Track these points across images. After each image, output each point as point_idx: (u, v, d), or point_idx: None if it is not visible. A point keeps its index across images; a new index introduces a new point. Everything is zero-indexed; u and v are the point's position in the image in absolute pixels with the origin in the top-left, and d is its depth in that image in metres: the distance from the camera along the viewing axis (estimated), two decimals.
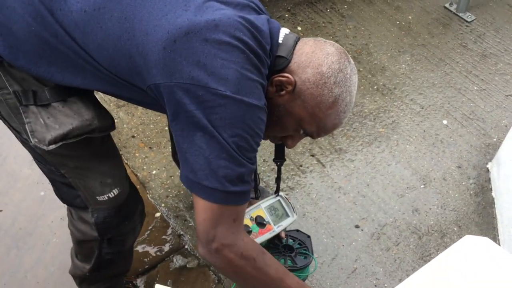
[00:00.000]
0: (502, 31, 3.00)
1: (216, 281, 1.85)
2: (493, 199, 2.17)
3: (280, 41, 1.18)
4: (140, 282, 1.84)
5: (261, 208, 1.57)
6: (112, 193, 1.36)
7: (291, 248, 1.60)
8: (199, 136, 1.06)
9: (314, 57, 1.16)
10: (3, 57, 1.14)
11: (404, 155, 2.32)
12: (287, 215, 1.60)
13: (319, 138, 2.31)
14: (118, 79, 1.14)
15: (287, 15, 2.93)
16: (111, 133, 1.36)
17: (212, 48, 1.04)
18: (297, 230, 1.69)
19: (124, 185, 1.40)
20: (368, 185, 2.18)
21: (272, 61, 1.17)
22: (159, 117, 2.33)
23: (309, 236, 1.67)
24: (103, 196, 1.35)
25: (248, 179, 1.15)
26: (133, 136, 2.26)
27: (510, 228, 1.97)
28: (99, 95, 2.08)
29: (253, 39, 1.09)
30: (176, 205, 2.05)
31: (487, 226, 2.09)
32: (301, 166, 2.23)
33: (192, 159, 1.09)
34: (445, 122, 2.47)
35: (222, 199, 1.11)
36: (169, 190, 2.09)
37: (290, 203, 1.63)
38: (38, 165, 1.38)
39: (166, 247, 1.94)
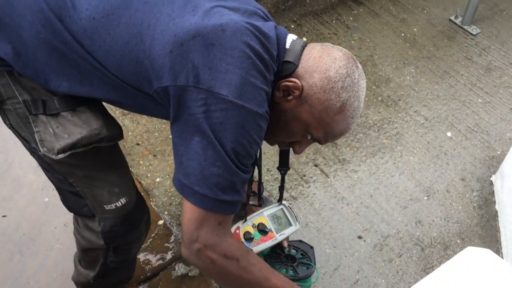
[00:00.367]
0: (507, 45, 3.00)
1: None
2: (496, 212, 2.16)
3: (287, 46, 1.19)
4: None
5: (263, 215, 1.56)
6: (119, 202, 1.36)
7: (294, 258, 1.59)
8: (196, 141, 1.07)
9: (322, 61, 1.16)
10: (13, 66, 1.16)
11: (407, 166, 2.32)
12: (290, 224, 1.60)
13: (322, 148, 2.32)
14: (125, 85, 1.15)
15: (292, 26, 2.95)
16: None
17: (218, 53, 1.04)
18: (300, 241, 1.69)
19: (132, 194, 1.41)
20: (371, 196, 2.18)
21: (279, 67, 1.17)
22: (164, 125, 2.35)
23: (312, 247, 1.67)
24: (110, 205, 1.35)
25: (240, 189, 1.15)
26: (137, 144, 2.28)
27: None
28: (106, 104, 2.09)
29: (260, 44, 1.10)
30: (179, 213, 2.05)
31: (490, 239, 2.08)
32: (304, 176, 2.23)
33: (186, 163, 1.10)
34: (449, 134, 2.47)
35: (211, 206, 1.12)
36: (172, 198, 2.09)
37: (293, 212, 1.63)
38: (46, 174, 1.38)
39: (169, 255, 1.94)
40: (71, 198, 1.38)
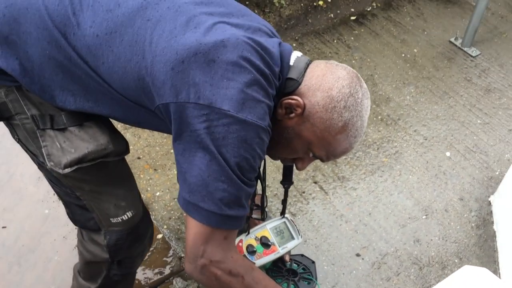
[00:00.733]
0: (507, 67, 3.03)
1: None
2: (494, 232, 2.17)
3: (291, 63, 1.19)
4: None
5: (266, 228, 1.56)
6: (126, 215, 1.37)
7: (295, 273, 1.59)
8: (199, 157, 1.07)
9: (325, 80, 1.16)
10: (19, 81, 1.17)
11: (406, 185, 2.33)
12: (292, 238, 1.59)
13: (322, 165, 2.33)
14: (128, 101, 1.16)
15: (294, 44, 2.99)
16: None
17: (219, 69, 1.05)
18: (302, 255, 1.68)
19: (138, 208, 1.42)
20: (370, 214, 2.19)
21: (282, 83, 1.17)
22: (165, 140, 2.36)
23: (313, 262, 1.66)
24: (117, 218, 1.36)
25: (245, 204, 1.15)
26: (138, 158, 2.29)
27: (511, 262, 1.97)
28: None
29: (261, 60, 1.10)
30: (178, 227, 2.06)
31: (488, 259, 2.08)
32: (303, 192, 2.24)
33: (190, 180, 1.09)
34: (448, 154, 2.49)
35: (216, 222, 1.12)
36: (172, 212, 2.10)
37: (295, 225, 1.62)
38: (53, 188, 1.39)
39: (167, 269, 1.95)
40: (77, 211, 1.39)
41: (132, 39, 1.10)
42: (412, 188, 2.32)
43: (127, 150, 1.34)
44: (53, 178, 1.32)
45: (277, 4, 3.05)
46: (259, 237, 1.53)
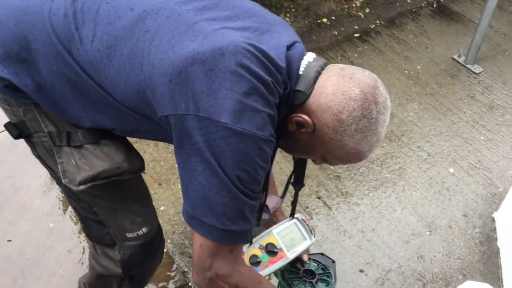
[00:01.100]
0: (510, 84, 3.05)
1: None
2: (498, 249, 2.16)
3: (301, 71, 1.12)
4: None
5: (272, 234, 1.48)
6: (141, 230, 1.38)
7: (313, 273, 1.51)
8: (199, 171, 1.05)
9: (335, 101, 1.08)
10: (33, 97, 1.19)
11: (410, 201, 2.33)
12: (304, 238, 1.51)
13: (326, 180, 2.34)
14: (133, 113, 1.15)
15: None
16: None
17: (217, 78, 1.02)
18: (322, 254, 1.59)
19: (154, 224, 1.43)
20: (373, 229, 2.19)
21: (290, 93, 1.12)
22: (169, 154, 2.38)
23: (333, 261, 1.57)
24: (132, 233, 1.37)
25: (250, 217, 1.12)
26: (143, 172, 2.30)
27: None
28: None
29: (262, 67, 1.05)
30: (182, 241, 2.06)
31: (491, 275, 2.08)
32: (307, 207, 2.25)
33: (192, 194, 1.08)
34: (451, 170, 2.49)
35: (219, 237, 1.10)
36: (176, 226, 2.11)
37: (307, 225, 1.54)
38: (71, 203, 1.40)
39: (170, 284, 1.95)
40: (94, 226, 1.39)
41: (131, 52, 1.08)
42: (416, 204, 2.32)
43: (142, 168, 1.33)
44: (71, 194, 1.33)
45: None
46: (265, 245, 1.45)
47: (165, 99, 1.04)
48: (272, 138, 1.08)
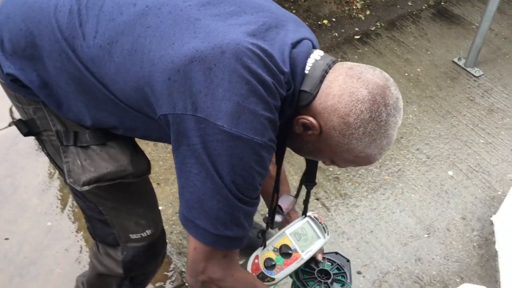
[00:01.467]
0: (510, 87, 3.05)
1: None
2: (496, 252, 2.16)
3: (306, 71, 1.08)
4: None
5: (286, 235, 1.45)
6: (145, 232, 1.38)
7: (328, 273, 1.48)
8: (194, 173, 1.03)
9: (342, 103, 1.04)
10: (38, 94, 1.18)
11: (408, 203, 2.33)
12: (318, 237, 1.48)
13: (324, 182, 2.33)
14: (134, 111, 1.14)
15: None
16: None
17: (215, 78, 0.98)
18: (336, 253, 1.57)
19: (158, 226, 1.43)
20: (371, 231, 2.19)
21: (294, 93, 1.08)
22: (168, 154, 2.38)
23: (348, 260, 1.54)
24: (136, 235, 1.37)
25: (245, 223, 1.10)
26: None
27: None
28: None
29: (263, 67, 1.01)
30: (179, 241, 2.06)
31: (489, 279, 2.07)
32: (302, 204, 2.24)
33: (187, 196, 1.06)
34: (450, 173, 2.49)
35: (212, 241, 1.08)
36: (173, 226, 2.11)
37: (320, 222, 1.51)
38: (77, 202, 1.40)
39: (168, 284, 1.95)
40: (98, 226, 1.39)
41: (132, 48, 1.06)
42: (414, 207, 2.32)
43: (147, 172, 1.32)
44: (78, 193, 1.33)
45: None
46: (279, 247, 1.42)
47: (164, 97, 1.02)
48: (271, 143, 1.05)
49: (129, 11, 1.08)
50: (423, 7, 3.64)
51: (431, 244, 2.18)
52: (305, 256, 1.43)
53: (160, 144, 2.41)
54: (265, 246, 1.43)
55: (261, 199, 1.44)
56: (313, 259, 1.49)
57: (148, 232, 1.39)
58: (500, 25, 3.57)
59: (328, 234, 1.52)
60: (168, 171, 2.31)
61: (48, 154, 1.33)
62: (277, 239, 1.45)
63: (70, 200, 2.16)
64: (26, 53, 1.15)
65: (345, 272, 1.50)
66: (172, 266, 1.99)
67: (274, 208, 1.38)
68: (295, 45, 1.09)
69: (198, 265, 1.12)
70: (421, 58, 3.20)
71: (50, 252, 1.99)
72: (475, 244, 2.20)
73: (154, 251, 1.45)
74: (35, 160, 2.30)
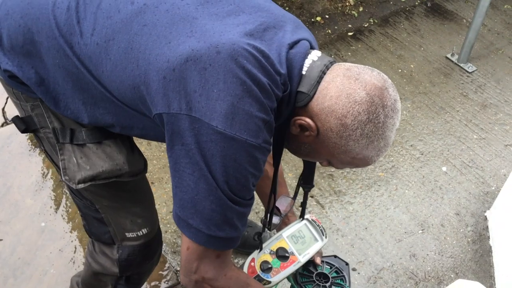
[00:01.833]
0: (503, 83, 3.06)
1: None
2: (490, 247, 2.17)
3: (304, 71, 1.07)
4: None
5: (282, 238, 1.45)
6: (141, 231, 1.38)
7: (327, 277, 1.48)
8: (188, 173, 1.02)
9: (339, 104, 1.04)
10: (35, 91, 1.18)
11: (403, 199, 2.33)
12: (316, 240, 1.48)
13: (319, 179, 2.34)
14: (130, 110, 1.13)
15: None
16: None
17: (210, 77, 0.98)
18: (335, 256, 1.56)
19: (154, 225, 1.43)
20: (366, 228, 2.20)
21: (291, 94, 1.07)
22: (162, 153, 2.37)
23: (347, 263, 1.54)
24: (132, 233, 1.37)
25: (238, 224, 1.09)
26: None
27: (507, 277, 1.96)
28: None
29: (259, 68, 1.00)
30: (174, 240, 2.06)
31: (484, 274, 2.08)
32: (300, 206, 2.24)
33: (180, 195, 1.06)
34: (444, 169, 2.49)
35: (205, 241, 1.08)
36: (168, 225, 2.10)
37: (318, 225, 1.51)
38: (73, 200, 1.40)
39: (163, 283, 1.94)
40: (94, 224, 1.39)
41: (128, 46, 1.05)
42: (408, 203, 2.32)
43: (144, 170, 1.32)
44: (74, 191, 1.33)
45: None
46: (275, 250, 1.41)
47: (159, 96, 1.01)
48: (265, 144, 1.04)
49: (126, 9, 1.08)
50: (416, 3, 3.64)
51: (426, 240, 2.18)
52: (302, 259, 1.43)
53: (153, 143, 2.40)
54: (261, 249, 1.42)
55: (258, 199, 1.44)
56: (311, 262, 1.49)
57: (144, 231, 1.38)
58: (493, 20, 3.58)
59: (326, 237, 1.51)
60: (162, 170, 2.31)
61: (45, 151, 1.33)
62: (273, 242, 1.44)
63: (64, 200, 2.15)
64: (24, 49, 1.15)
65: (344, 276, 1.49)
66: (167, 265, 1.99)
67: (271, 210, 1.38)
68: (292, 45, 1.08)
69: (191, 265, 1.12)
70: (414, 54, 3.20)
71: (44, 253, 1.99)
72: (469, 239, 2.21)
73: (150, 250, 1.45)
74: (27, 161, 2.28)
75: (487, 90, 2.99)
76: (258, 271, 1.39)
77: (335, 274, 1.51)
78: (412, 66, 3.11)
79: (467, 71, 3.11)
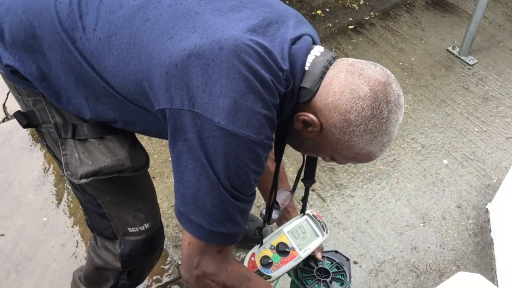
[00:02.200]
0: (504, 75, 3.05)
1: None
2: (492, 240, 2.17)
3: (307, 67, 1.07)
4: None
5: (283, 233, 1.45)
6: (143, 226, 1.38)
7: (327, 272, 1.48)
8: (190, 169, 1.02)
9: (342, 100, 1.03)
10: (36, 86, 1.18)
11: (404, 193, 2.33)
12: (316, 235, 1.48)
13: (320, 173, 2.34)
14: (132, 105, 1.13)
15: None
16: None
17: (213, 73, 0.98)
18: (336, 251, 1.57)
19: (156, 220, 1.43)
20: (367, 221, 2.20)
21: (294, 90, 1.07)
22: (163, 148, 2.38)
23: (348, 259, 1.55)
24: (134, 228, 1.37)
25: (239, 220, 1.09)
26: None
27: (509, 269, 1.97)
28: None
29: (262, 64, 1.00)
30: (176, 235, 2.06)
31: (485, 266, 2.08)
32: (301, 200, 2.24)
33: (182, 190, 1.06)
34: (445, 161, 2.49)
35: (207, 237, 1.08)
36: (169, 219, 2.11)
37: (319, 221, 1.51)
38: (76, 194, 1.40)
39: (164, 277, 1.95)
40: (97, 219, 1.39)
41: (130, 41, 1.05)
42: (410, 196, 2.32)
43: (146, 166, 1.32)
44: (77, 186, 1.33)
45: None
46: (276, 245, 1.41)
47: (161, 92, 1.01)
48: (268, 141, 1.04)
49: (129, 4, 1.08)
50: None
51: (427, 233, 2.18)
52: (303, 254, 1.43)
53: (154, 138, 2.40)
54: (262, 244, 1.43)
55: (259, 193, 1.43)
56: (312, 257, 1.49)
57: (146, 225, 1.39)
58: (494, 13, 3.56)
59: (327, 233, 1.51)
60: (163, 165, 2.31)
61: (47, 146, 1.33)
62: (274, 237, 1.44)
63: (66, 195, 2.16)
64: (25, 44, 1.15)
65: (344, 271, 1.50)
66: (168, 259, 1.99)
67: (272, 205, 1.38)
68: (294, 41, 1.08)
69: (192, 260, 1.12)
70: (415, 47, 3.20)
71: (46, 248, 1.99)
72: (470, 232, 2.21)
73: (152, 244, 1.45)
74: (29, 156, 2.29)
75: (488, 83, 2.98)
76: (259, 266, 1.39)
77: (335, 270, 1.51)
78: (413, 59, 3.10)
79: (468, 64, 3.10)
